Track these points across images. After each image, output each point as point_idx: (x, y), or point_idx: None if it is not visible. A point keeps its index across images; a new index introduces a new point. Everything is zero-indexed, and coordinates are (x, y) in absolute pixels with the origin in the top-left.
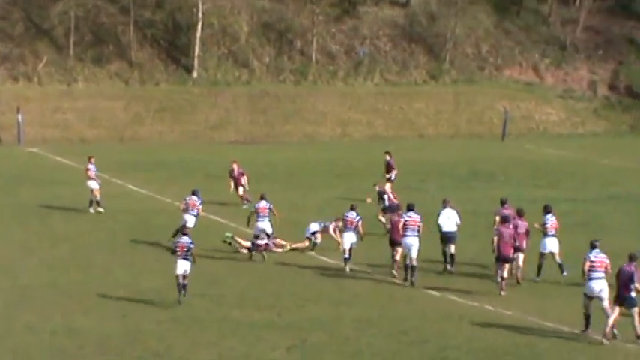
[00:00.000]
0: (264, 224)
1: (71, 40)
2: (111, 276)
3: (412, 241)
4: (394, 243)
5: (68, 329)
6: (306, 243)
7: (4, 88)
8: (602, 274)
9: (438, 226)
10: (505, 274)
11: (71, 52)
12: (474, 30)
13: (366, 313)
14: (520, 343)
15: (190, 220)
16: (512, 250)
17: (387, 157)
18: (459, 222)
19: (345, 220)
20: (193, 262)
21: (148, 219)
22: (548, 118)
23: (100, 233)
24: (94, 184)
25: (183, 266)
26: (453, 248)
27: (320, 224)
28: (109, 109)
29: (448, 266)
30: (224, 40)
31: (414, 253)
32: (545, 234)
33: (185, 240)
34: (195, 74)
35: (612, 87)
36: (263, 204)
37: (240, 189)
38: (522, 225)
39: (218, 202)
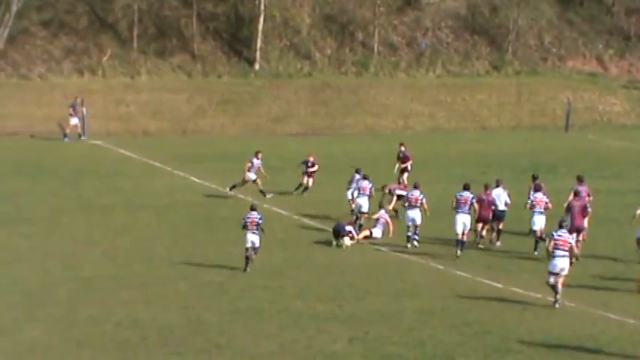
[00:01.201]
0: (363, 200)
1: (135, 34)
2: (172, 268)
3: (414, 215)
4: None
5: (131, 321)
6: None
7: (69, 82)
8: (566, 253)
9: None
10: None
11: (135, 45)
12: (537, 21)
13: (428, 304)
14: (582, 335)
15: (256, 240)
16: (583, 221)
17: (402, 148)
18: (508, 202)
19: (409, 199)
20: (262, 233)
21: (209, 211)
22: (612, 108)
23: (161, 225)
24: (252, 176)
25: (251, 239)
26: (500, 225)
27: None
28: (172, 101)
29: (486, 242)
30: (286, 33)
31: (418, 222)
32: (534, 212)
33: (254, 215)
34: (257, 66)
35: None
36: (365, 183)
37: (310, 180)
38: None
39: (280, 193)
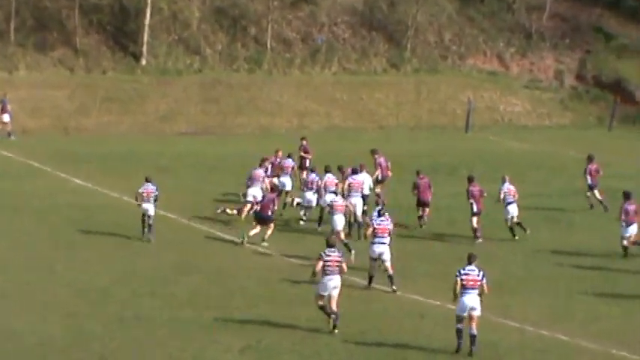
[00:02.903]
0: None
1: (12, 26)
2: (53, 274)
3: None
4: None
5: (8, 331)
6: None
7: None
8: (476, 291)
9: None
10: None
11: (12, 38)
12: (437, 17)
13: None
14: (482, 342)
15: (150, 209)
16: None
17: (304, 142)
18: (371, 186)
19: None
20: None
21: (92, 214)
22: (513, 109)
23: (41, 229)
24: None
25: (146, 207)
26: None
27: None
28: (53, 98)
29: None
30: (174, 26)
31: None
32: (506, 202)
33: (150, 187)
34: (143, 62)
35: (579, 77)
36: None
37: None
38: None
39: (166, 196)
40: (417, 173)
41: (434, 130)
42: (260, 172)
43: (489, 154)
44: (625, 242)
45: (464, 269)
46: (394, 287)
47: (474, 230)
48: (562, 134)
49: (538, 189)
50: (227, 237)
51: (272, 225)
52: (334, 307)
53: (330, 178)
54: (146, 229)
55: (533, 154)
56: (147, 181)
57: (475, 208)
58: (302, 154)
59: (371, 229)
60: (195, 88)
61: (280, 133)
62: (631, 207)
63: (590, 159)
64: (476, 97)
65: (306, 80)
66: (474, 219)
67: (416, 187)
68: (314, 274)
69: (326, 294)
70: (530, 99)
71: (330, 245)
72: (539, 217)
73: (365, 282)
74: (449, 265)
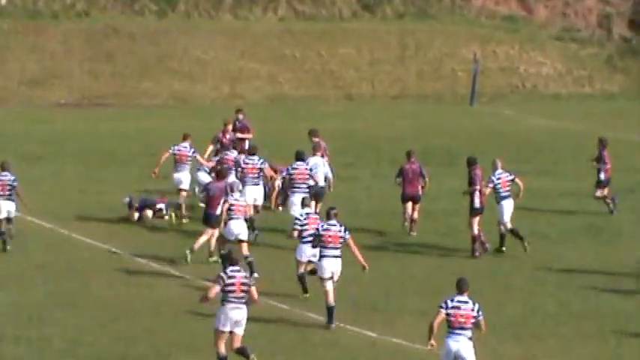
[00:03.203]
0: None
1: None
2: None
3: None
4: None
5: None
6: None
7: None
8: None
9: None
10: None
11: None
12: None
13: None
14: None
15: (10, 207)
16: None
17: (240, 116)
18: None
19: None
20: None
21: None
22: (539, 70)
23: None
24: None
25: (6, 207)
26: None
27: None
28: None
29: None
30: None
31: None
32: (499, 196)
33: (6, 177)
34: (2, 1)
35: (634, 24)
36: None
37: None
38: None
39: (36, 197)
40: (408, 155)
41: (424, 101)
42: (186, 148)
43: (504, 136)
44: None
45: (452, 300)
46: (333, 322)
47: (474, 238)
48: (608, 107)
49: (573, 186)
50: (119, 251)
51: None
52: (237, 347)
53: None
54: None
55: (567, 136)
56: (2, 169)
57: (477, 203)
58: (238, 134)
59: (296, 233)
60: (80, 40)
61: (204, 104)
62: None
63: (602, 143)
64: (485, 53)
65: (240, 28)
66: (476, 220)
67: (401, 173)
68: (204, 299)
69: (226, 330)
70: (563, 56)
71: (232, 262)
72: (575, 225)
73: (322, 318)
74: (444, 291)
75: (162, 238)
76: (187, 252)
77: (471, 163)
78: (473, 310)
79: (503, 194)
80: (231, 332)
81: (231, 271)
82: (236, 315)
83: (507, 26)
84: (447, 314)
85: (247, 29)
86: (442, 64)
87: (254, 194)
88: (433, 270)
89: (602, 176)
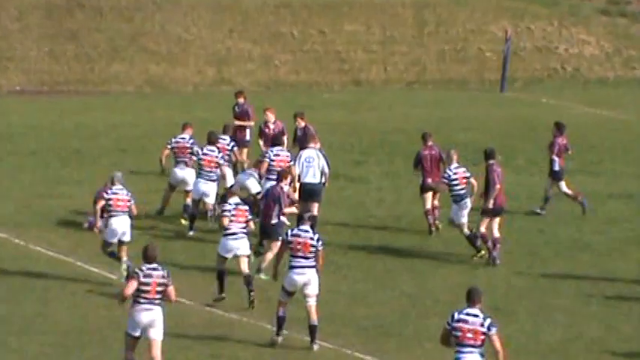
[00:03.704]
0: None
1: None
2: None
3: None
4: None
5: None
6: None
7: None
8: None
9: None
10: None
11: None
12: None
13: None
14: None
15: None
16: None
17: (240, 100)
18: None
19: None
20: None
21: None
22: (582, 50)
23: None
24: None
25: None
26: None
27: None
28: None
29: None
30: None
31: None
32: (456, 195)
33: None
34: None
35: None
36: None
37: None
38: None
39: None
40: (424, 139)
41: (446, 87)
42: (185, 139)
43: (541, 128)
44: None
45: (460, 312)
46: (315, 342)
47: (484, 241)
48: None
49: (624, 186)
50: (85, 265)
51: (278, 242)
52: (156, 355)
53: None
54: None
55: (616, 128)
56: None
57: (490, 203)
58: (236, 121)
59: (226, 221)
60: (37, 14)
61: (185, 91)
62: None
63: (559, 127)
64: (518, 30)
65: (229, 1)
66: (484, 223)
67: (419, 161)
68: (122, 298)
69: (136, 334)
70: (610, 34)
71: (148, 259)
72: (625, 233)
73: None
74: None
75: (134, 250)
76: (261, 275)
77: (489, 155)
78: (483, 325)
79: (458, 191)
80: (149, 341)
81: (148, 269)
82: (146, 317)
83: None
84: (453, 329)
85: (237, 3)
86: (467, 44)
87: (204, 189)
88: (457, 287)
89: (556, 166)
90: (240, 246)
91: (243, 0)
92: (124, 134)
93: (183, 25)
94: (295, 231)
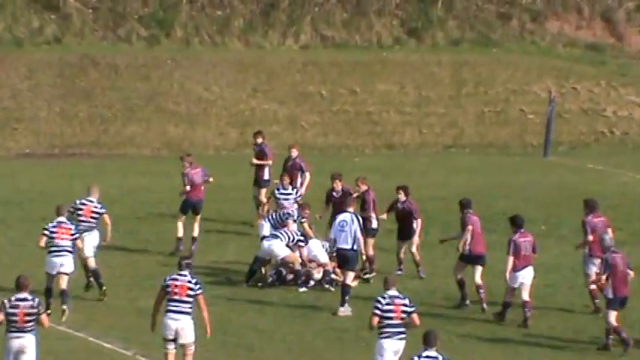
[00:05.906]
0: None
1: None
2: None
3: None
4: None
5: None
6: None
7: None
8: None
9: None
10: None
11: None
12: None
13: None
14: None
15: None
16: None
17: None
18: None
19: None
20: None
21: None
22: (632, 113)
23: None
24: None
25: None
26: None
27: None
28: None
29: None
30: None
31: None
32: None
33: None
34: None
35: None
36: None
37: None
38: None
39: None
40: (462, 206)
41: (486, 151)
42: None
43: (587, 196)
44: None
45: (419, 357)
46: None
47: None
48: None
49: None
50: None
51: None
52: None
53: None
54: None
55: None
56: None
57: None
58: (255, 160)
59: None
60: (48, 72)
61: (206, 155)
62: None
63: (590, 206)
64: (563, 91)
65: (253, 58)
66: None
67: (465, 228)
68: None
69: None
70: None
71: (19, 288)
72: None
73: None
74: None
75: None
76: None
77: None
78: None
79: None
80: None
81: (16, 299)
82: (18, 344)
83: (592, 57)
84: None
85: (261, 60)
86: (508, 105)
87: (92, 242)
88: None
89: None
90: (63, 262)
91: (268, 57)
92: (140, 201)
93: (204, 84)
94: (174, 275)
